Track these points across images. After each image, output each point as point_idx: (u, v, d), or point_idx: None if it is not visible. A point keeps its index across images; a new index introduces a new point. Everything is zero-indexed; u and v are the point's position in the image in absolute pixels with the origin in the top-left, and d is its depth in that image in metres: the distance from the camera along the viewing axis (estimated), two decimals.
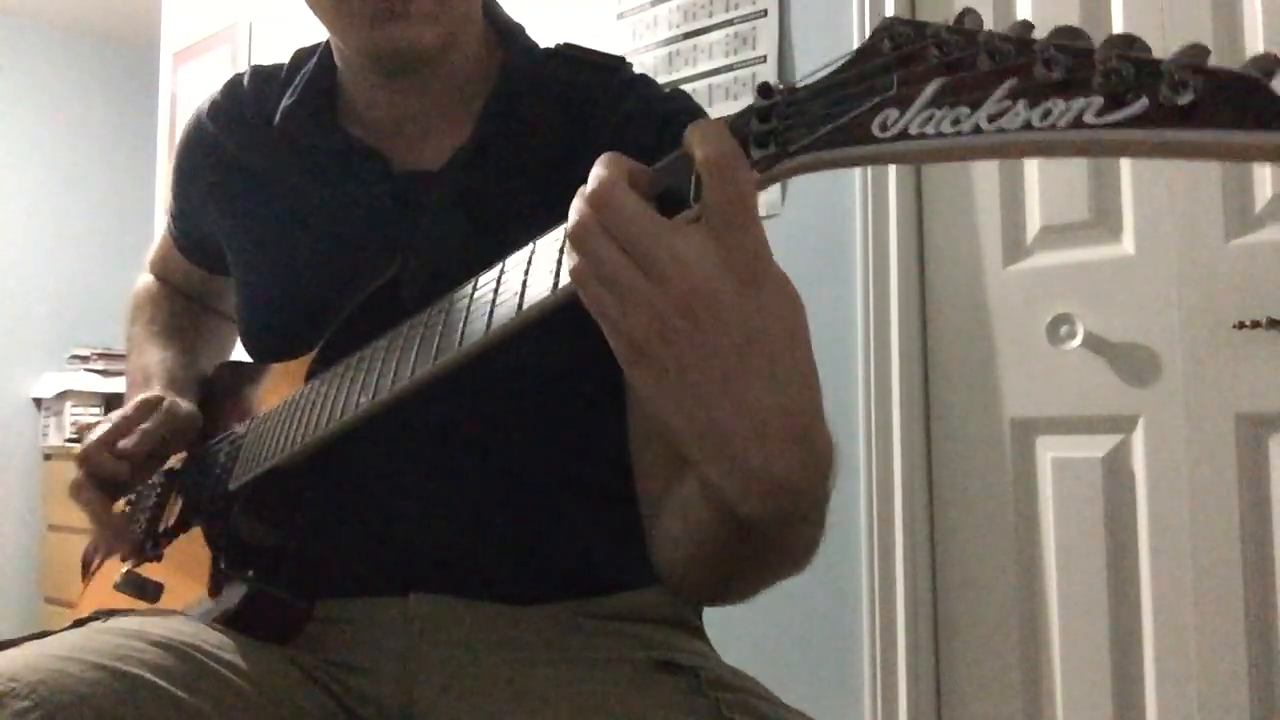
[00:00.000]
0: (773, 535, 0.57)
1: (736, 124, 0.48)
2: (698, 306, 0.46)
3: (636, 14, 2.25)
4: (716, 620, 0.87)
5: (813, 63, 1.98)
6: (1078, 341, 1.71)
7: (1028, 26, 0.37)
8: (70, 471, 0.85)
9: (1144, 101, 0.33)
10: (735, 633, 1.03)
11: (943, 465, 1.87)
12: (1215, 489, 1.58)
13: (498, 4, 0.90)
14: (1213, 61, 0.33)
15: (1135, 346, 1.66)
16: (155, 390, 0.90)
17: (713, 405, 0.48)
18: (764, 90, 0.47)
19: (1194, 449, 1.60)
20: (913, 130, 0.39)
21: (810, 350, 0.50)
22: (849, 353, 1.88)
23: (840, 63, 0.44)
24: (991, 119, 0.36)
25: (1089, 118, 0.34)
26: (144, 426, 0.85)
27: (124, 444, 0.84)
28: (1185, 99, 0.32)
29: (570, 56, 0.88)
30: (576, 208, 0.49)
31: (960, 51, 0.39)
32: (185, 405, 0.89)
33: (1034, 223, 1.79)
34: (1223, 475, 1.58)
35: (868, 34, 1.94)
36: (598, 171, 0.49)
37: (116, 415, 0.86)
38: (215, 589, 0.79)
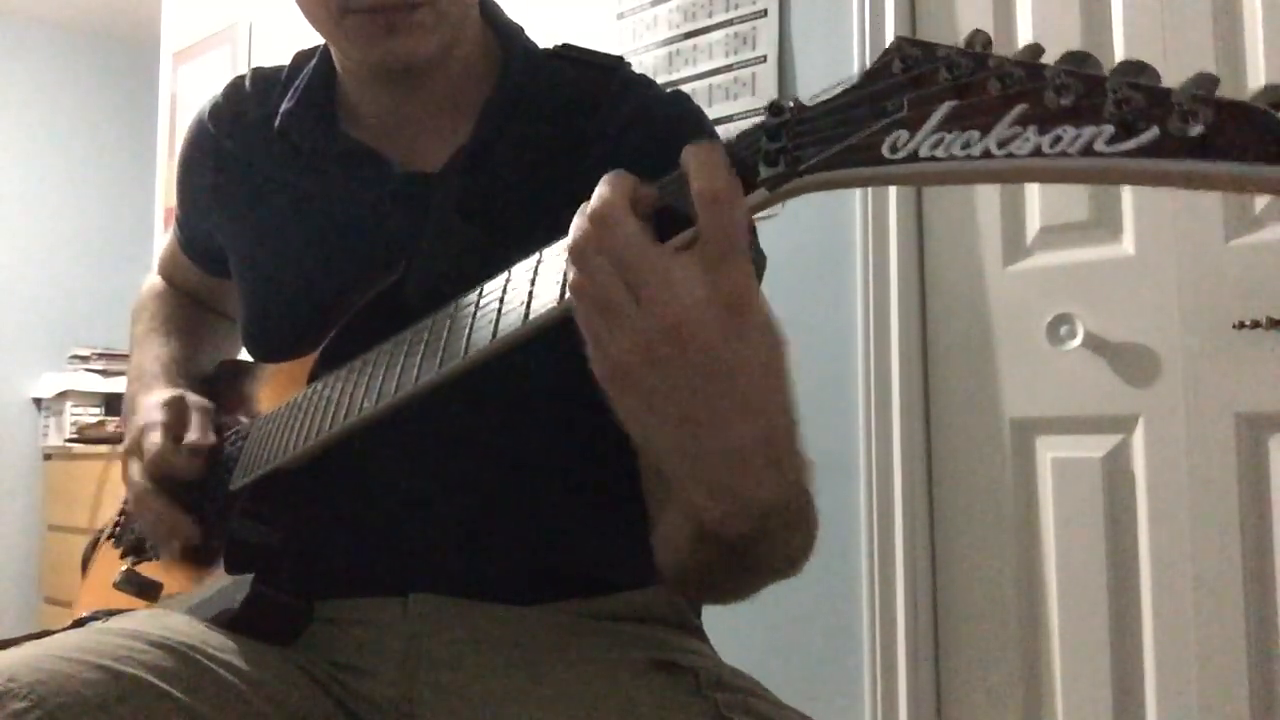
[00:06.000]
0: (756, 549, 0.59)
1: (746, 141, 0.49)
2: (684, 335, 0.47)
3: (636, 14, 2.25)
4: (716, 620, 0.87)
5: (813, 63, 1.98)
6: (1078, 341, 1.71)
7: (1038, 51, 0.37)
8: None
9: (1154, 131, 0.33)
10: (735, 633, 1.04)
11: (943, 465, 1.87)
12: (1215, 489, 1.58)
13: (496, 5, 0.91)
14: (1221, 91, 0.33)
15: (1135, 346, 1.67)
16: (161, 388, 0.90)
17: (696, 431, 0.49)
18: (774, 108, 0.47)
19: (1194, 449, 1.61)
20: (922, 153, 0.39)
21: (788, 379, 0.51)
22: (849, 353, 1.88)
23: (850, 83, 0.44)
24: (1001, 144, 0.36)
25: (1100, 146, 0.34)
26: (195, 420, 0.84)
27: (191, 439, 0.82)
28: (1195, 130, 0.32)
29: (569, 57, 0.88)
30: (578, 224, 0.50)
31: (971, 75, 0.39)
32: (198, 397, 0.88)
33: (1034, 223, 1.79)
34: (1223, 475, 1.58)
35: (868, 35, 1.92)
36: (601, 190, 0.50)
37: (158, 416, 0.84)
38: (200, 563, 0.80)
